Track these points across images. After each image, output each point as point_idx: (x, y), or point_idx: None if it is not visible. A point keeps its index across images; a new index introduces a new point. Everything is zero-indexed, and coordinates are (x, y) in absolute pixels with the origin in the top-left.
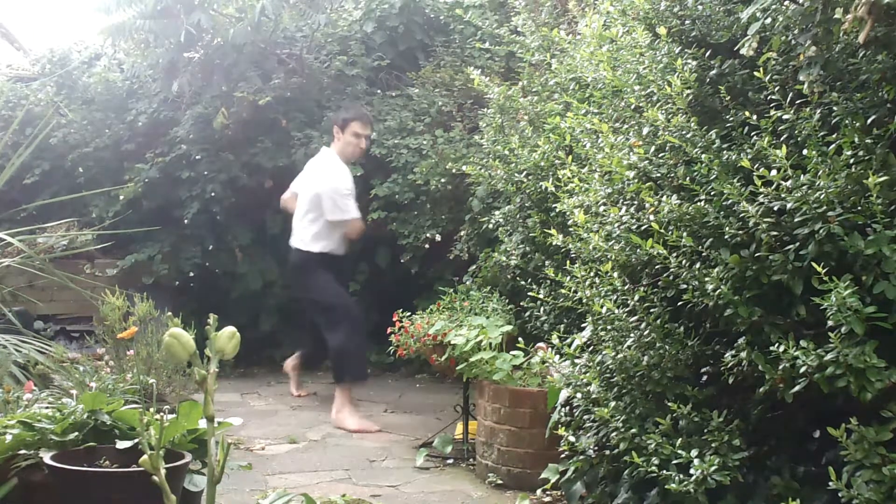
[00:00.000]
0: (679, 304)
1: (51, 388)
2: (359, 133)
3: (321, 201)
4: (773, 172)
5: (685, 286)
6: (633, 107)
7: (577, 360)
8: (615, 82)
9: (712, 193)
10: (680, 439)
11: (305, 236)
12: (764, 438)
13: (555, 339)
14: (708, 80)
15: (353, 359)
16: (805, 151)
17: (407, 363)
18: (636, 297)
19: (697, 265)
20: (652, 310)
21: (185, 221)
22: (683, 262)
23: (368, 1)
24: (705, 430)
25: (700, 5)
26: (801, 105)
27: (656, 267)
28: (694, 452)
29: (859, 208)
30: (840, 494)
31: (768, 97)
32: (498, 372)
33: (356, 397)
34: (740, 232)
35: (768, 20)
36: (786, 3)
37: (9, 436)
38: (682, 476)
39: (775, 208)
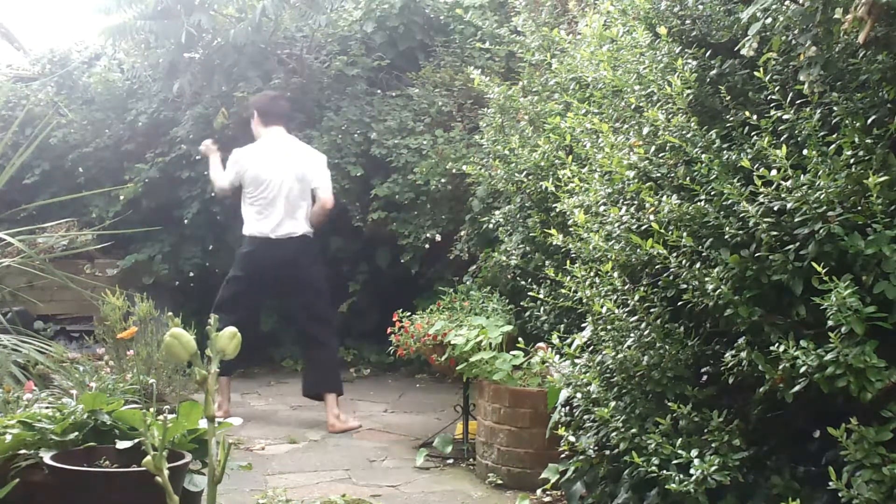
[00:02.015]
0: (679, 304)
1: (51, 388)
2: None
3: (325, 182)
4: (773, 172)
5: (685, 286)
6: (633, 107)
7: (577, 360)
8: (615, 82)
9: (712, 193)
10: (680, 439)
11: (304, 222)
12: (764, 438)
13: (555, 339)
14: (708, 80)
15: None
16: (805, 151)
17: (407, 363)
18: (636, 297)
19: (697, 265)
20: (652, 310)
21: (185, 221)
22: (683, 262)
23: (368, 1)
24: (705, 430)
25: (700, 5)
26: (802, 105)
27: (656, 267)
28: (694, 452)
29: (859, 208)
30: (840, 494)
31: (768, 97)
32: (498, 372)
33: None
34: (740, 232)
35: (769, 20)
36: (786, 3)
37: (9, 436)
38: (682, 476)
39: (775, 208)
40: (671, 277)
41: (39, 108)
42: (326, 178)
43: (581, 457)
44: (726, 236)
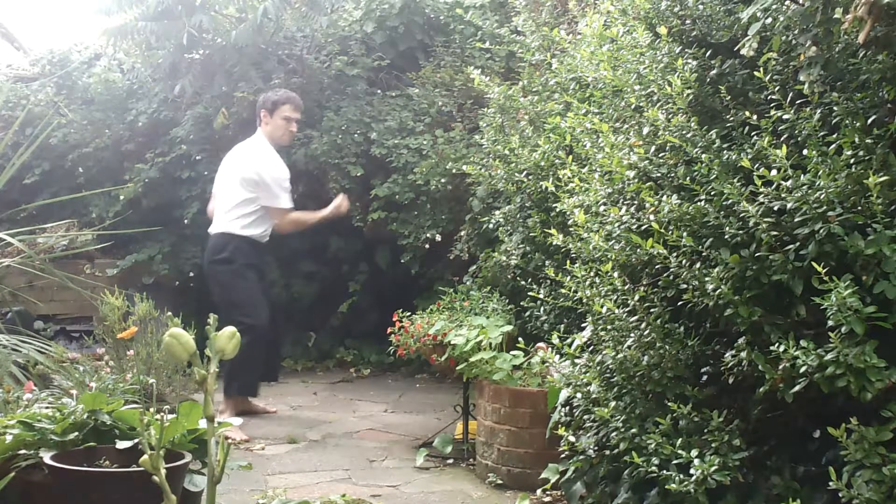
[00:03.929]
0: (679, 304)
1: (51, 388)
2: (289, 117)
3: (260, 186)
4: (774, 172)
5: (685, 286)
6: (633, 107)
7: (577, 360)
8: (615, 82)
9: (712, 193)
10: (680, 439)
11: (235, 221)
12: (764, 438)
13: (555, 339)
14: (708, 79)
15: (249, 370)
16: (805, 151)
17: (407, 363)
18: (636, 297)
19: (697, 265)
20: (652, 310)
21: (185, 221)
22: (683, 261)
23: (368, 1)
24: (705, 430)
25: (700, 5)
26: (802, 105)
27: (656, 267)
28: (694, 452)
29: (859, 208)
30: (840, 494)
31: (768, 97)
32: (498, 372)
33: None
34: (740, 232)
35: (769, 20)
36: (786, 3)
37: (9, 436)
38: (682, 476)
39: (775, 208)
40: (671, 277)
41: (39, 109)
42: (271, 183)
43: (581, 457)
44: (726, 236)
